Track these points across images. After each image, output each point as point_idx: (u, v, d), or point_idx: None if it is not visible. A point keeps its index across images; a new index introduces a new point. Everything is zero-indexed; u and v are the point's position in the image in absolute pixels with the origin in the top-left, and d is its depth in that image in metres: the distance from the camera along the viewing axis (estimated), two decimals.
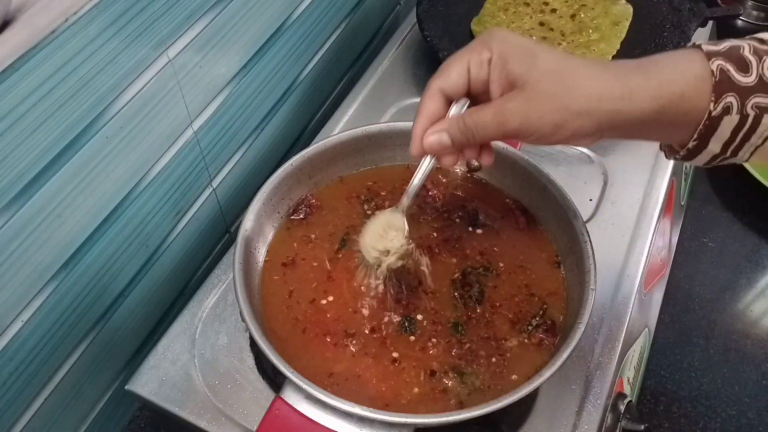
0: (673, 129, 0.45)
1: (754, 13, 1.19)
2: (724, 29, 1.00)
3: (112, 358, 0.66)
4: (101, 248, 0.58)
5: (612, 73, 0.45)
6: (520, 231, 0.63)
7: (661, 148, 0.50)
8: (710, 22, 0.90)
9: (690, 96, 0.43)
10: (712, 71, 0.43)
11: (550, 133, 0.45)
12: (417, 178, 0.54)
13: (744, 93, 0.42)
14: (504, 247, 0.62)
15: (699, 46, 0.44)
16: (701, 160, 0.46)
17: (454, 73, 0.48)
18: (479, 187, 0.67)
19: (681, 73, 0.44)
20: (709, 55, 0.43)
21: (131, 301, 0.65)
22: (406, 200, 0.55)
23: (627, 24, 0.86)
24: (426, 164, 0.53)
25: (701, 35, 0.90)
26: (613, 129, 0.45)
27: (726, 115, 0.43)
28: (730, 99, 0.43)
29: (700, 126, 0.44)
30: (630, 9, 0.87)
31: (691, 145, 0.45)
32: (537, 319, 0.57)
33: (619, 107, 0.44)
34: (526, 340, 0.56)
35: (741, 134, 0.44)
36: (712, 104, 0.43)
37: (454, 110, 0.50)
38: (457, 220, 0.64)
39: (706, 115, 0.43)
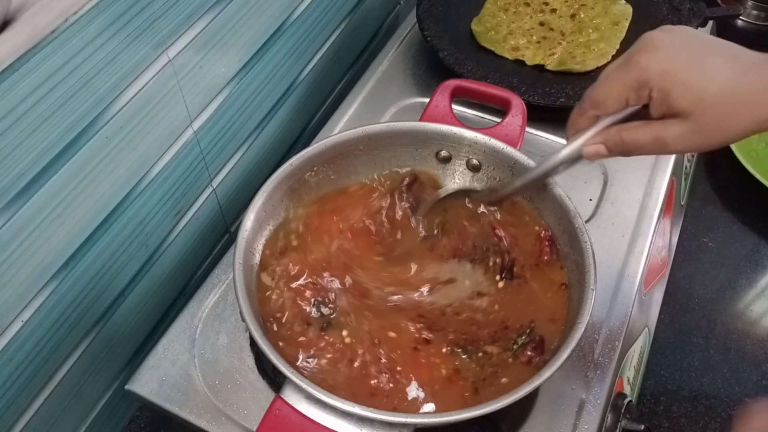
0: None
1: (754, 13, 1.19)
2: (724, 29, 1.00)
3: (112, 358, 0.66)
4: (101, 248, 0.58)
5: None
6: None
7: None
8: (710, 22, 0.91)
9: None
10: None
11: (708, 149, 0.46)
12: (554, 158, 0.53)
13: None
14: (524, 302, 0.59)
15: None
16: None
17: (611, 106, 0.48)
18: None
19: None
20: None
21: (131, 301, 0.65)
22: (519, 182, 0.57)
23: (627, 24, 0.86)
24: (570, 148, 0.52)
25: None
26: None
27: None
28: None
29: None
30: (629, 9, 0.87)
31: None
32: (524, 337, 0.55)
33: None
34: (510, 360, 0.54)
35: None
36: None
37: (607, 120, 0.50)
38: (491, 263, 0.61)
39: None
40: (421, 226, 0.63)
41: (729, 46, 0.46)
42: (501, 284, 0.60)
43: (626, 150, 0.49)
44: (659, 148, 0.48)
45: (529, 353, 0.54)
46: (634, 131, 0.48)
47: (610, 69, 0.48)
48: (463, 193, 0.63)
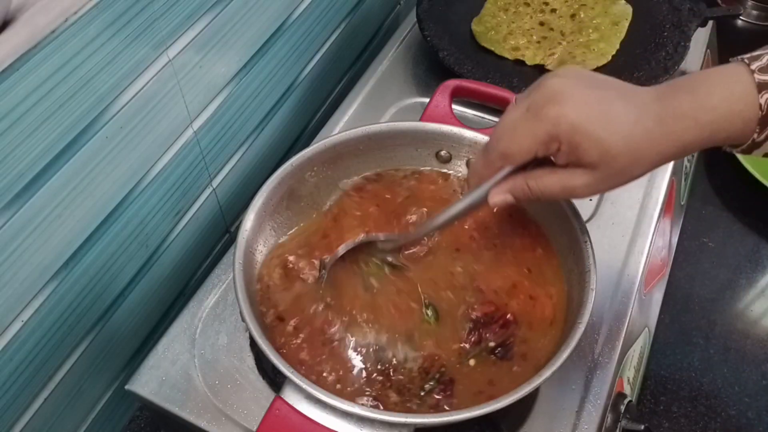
0: (717, 142, 0.47)
1: (754, 13, 1.19)
2: (724, 29, 1.00)
3: (112, 358, 0.66)
4: (101, 248, 0.58)
5: (669, 127, 0.45)
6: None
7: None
8: (710, 22, 0.91)
9: (735, 130, 0.45)
10: (761, 105, 0.44)
11: (614, 189, 0.49)
12: (458, 206, 0.54)
13: None
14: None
15: (752, 72, 0.44)
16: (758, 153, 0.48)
17: (520, 158, 0.49)
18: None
19: (730, 111, 0.45)
20: (761, 87, 0.44)
21: (131, 301, 0.65)
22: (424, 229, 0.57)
23: (626, 24, 0.86)
24: (474, 195, 0.53)
25: (701, 35, 0.90)
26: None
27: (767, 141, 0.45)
28: None
29: (744, 146, 0.46)
30: (629, 9, 0.87)
31: (735, 151, 0.48)
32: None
33: (674, 158, 0.47)
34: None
35: None
36: (756, 134, 0.45)
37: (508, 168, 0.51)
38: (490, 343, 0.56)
39: (750, 141, 0.45)
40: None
41: (623, 89, 0.47)
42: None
43: (533, 198, 0.50)
44: (567, 195, 0.50)
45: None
46: (541, 181, 0.49)
47: (516, 120, 0.48)
48: (366, 245, 0.59)
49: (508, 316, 0.56)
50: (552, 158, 0.48)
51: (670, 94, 0.46)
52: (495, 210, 0.60)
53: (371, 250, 0.59)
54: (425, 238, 0.60)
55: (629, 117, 0.45)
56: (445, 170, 0.67)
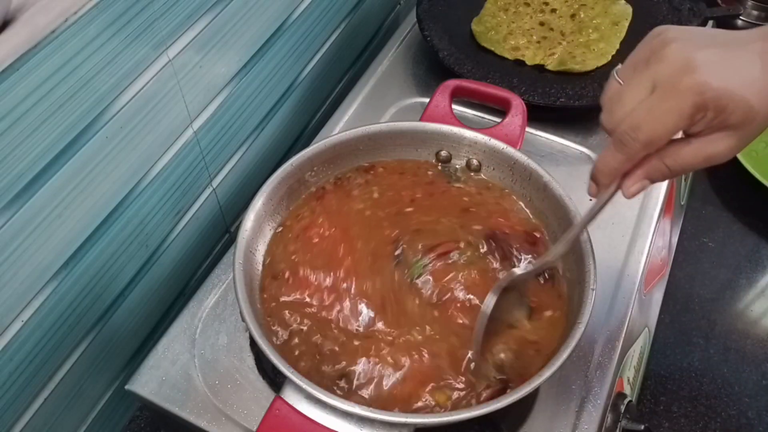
0: None
1: (754, 13, 1.19)
2: (724, 29, 1.00)
3: (112, 358, 0.66)
4: (101, 248, 0.58)
5: None
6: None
7: None
8: (710, 22, 0.91)
9: None
10: None
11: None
12: (595, 209, 0.51)
13: None
14: None
15: None
16: None
17: (665, 139, 0.45)
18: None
19: None
20: None
21: (131, 301, 0.65)
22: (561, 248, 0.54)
23: (626, 24, 0.86)
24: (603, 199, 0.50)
25: None
26: None
27: None
28: None
29: None
30: (629, 9, 0.87)
31: None
32: None
33: None
34: None
35: None
36: None
37: None
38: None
39: None
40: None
41: (734, 39, 0.45)
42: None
43: (672, 176, 0.47)
44: (709, 163, 0.46)
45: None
46: (679, 156, 0.46)
47: (649, 101, 0.44)
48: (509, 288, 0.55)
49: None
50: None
51: None
52: None
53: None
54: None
55: (756, 69, 0.43)
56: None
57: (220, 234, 0.78)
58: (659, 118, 0.44)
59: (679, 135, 0.45)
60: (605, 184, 0.49)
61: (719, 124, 0.44)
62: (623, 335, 0.62)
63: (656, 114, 0.44)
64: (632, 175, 0.48)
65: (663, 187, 0.73)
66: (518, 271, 0.55)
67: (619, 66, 0.47)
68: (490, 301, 0.52)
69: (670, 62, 0.43)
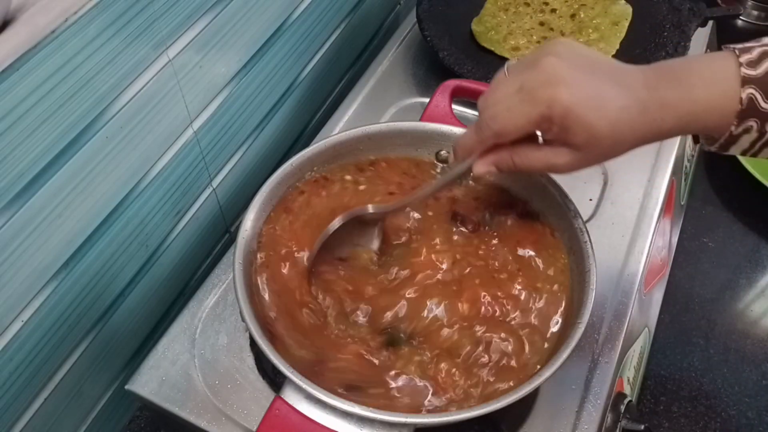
0: (695, 131, 0.50)
1: (754, 13, 1.19)
2: (724, 29, 1.00)
3: (112, 358, 0.66)
4: (101, 248, 0.58)
5: (651, 115, 0.47)
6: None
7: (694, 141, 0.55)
8: (710, 22, 0.91)
9: (717, 119, 0.47)
10: (741, 98, 0.45)
11: (604, 156, 0.50)
12: (445, 177, 0.57)
13: (765, 117, 0.45)
14: None
15: (740, 64, 0.45)
16: (735, 150, 0.49)
17: (512, 135, 0.50)
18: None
19: (710, 105, 0.46)
20: (744, 82, 0.45)
21: (131, 301, 0.65)
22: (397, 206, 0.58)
23: (626, 24, 0.86)
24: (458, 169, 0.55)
25: (701, 35, 0.90)
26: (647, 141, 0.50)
27: (746, 133, 0.46)
28: (751, 123, 0.46)
29: (721, 140, 0.47)
30: (629, 9, 0.87)
31: (712, 148, 0.49)
32: None
33: (650, 142, 0.49)
34: None
35: (759, 145, 0.47)
36: (733, 127, 0.46)
37: None
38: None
39: (727, 134, 0.47)
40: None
41: (615, 72, 0.48)
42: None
43: (516, 171, 0.52)
44: (549, 171, 0.55)
45: None
46: (526, 156, 0.51)
47: (510, 98, 0.49)
48: (354, 219, 0.58)
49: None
50: (538, 133, 0.50)
51: (657, 81, 0.47)
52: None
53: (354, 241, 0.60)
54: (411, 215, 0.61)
55: (618, 103, 0.47)
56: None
57: (220, 234, 0.78)
58: (512, 117, 0.49)
59: (540, 140, 0.50)
60: (459, 158, 0.55)
61: (563, 139, 0.48)
62: (623, 335, 0.62)
63: (512, 112, 0.49)
64: (485, 158, 0.53)
65: (663, 187, 0.73)
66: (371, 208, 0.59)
67: (515, 60, 0.51)
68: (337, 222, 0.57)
69: (540, 72, 0.47)
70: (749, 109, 0.45)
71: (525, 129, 0.49)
